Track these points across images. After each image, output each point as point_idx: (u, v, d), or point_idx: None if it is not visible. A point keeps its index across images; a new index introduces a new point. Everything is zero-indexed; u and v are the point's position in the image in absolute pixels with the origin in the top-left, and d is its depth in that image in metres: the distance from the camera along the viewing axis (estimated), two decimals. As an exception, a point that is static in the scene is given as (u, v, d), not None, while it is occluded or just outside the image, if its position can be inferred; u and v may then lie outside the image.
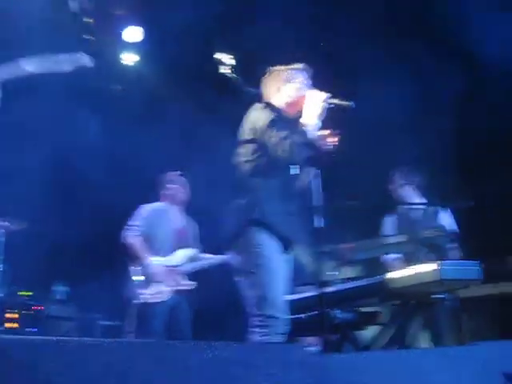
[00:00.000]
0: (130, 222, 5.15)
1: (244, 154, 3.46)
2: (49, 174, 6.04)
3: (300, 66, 3.69)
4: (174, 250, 5.16)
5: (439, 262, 3.68)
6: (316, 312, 3.26)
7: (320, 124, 3.41)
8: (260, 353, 1.68)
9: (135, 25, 6.61)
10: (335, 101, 3.44)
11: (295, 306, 4.09)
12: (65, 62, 3.67)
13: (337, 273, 4.41)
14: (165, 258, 5.07)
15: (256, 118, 3.45)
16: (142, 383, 1.35)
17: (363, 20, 6.17)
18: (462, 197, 4.90)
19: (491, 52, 5.64)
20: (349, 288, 4.09)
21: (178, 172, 5.48)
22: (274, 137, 3.30)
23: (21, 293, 6.02)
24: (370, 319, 4.15)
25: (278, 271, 3.28)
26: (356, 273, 4.95)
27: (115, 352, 1.35)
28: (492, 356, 2.79)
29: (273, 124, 3.35)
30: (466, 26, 5.67)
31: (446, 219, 5.05)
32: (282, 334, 3.21)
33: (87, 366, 1.28)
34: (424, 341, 4.64)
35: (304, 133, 3.32)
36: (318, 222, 3.14)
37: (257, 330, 3.18)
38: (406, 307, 3.97)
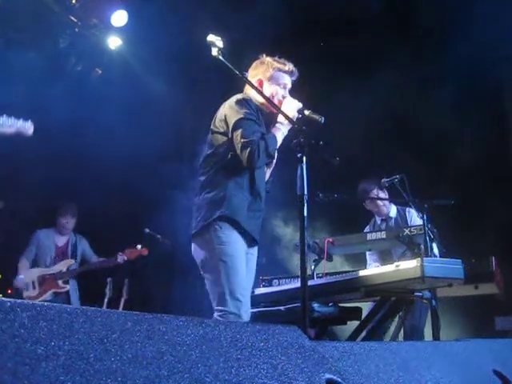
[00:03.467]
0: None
1: (212, 145, 3.43)
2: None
3: (290, 68, 3.58)
4: (56, 262, 6.49)
5: (421, 259, 3.63)
6: (296, 304, 3.18)
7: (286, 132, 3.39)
8: (255, 333, 1.59)
9: (121, 9, 6.48)
10: (307, 112, 3.37)
11: (275, 298, 4.04)
12: (8, 126, 3.93)
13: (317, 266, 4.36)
14: (46, 268, 6.40)
15: (229, 112, 3.38)
16: (131, 355, 1.26)
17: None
18: (442, 195, 4.85)
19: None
20: (329, 282, 4.02)
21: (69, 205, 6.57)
22: (240, 138, 3.25)
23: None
24: (349, 314, 4.08)
25: (240, 269, 3.25)
26: (336, 267, 4.90)
27: (100, 322, 1.26)
28: (482, 353, 2.74)
29: (241, 124, 3.29)
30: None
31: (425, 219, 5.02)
32: None
33: (70, 333, 1.18)
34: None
35: (270, 139, 3.30)
36: (302, 211, 3.03)
37: None
38: (386, 303, 3.92)
